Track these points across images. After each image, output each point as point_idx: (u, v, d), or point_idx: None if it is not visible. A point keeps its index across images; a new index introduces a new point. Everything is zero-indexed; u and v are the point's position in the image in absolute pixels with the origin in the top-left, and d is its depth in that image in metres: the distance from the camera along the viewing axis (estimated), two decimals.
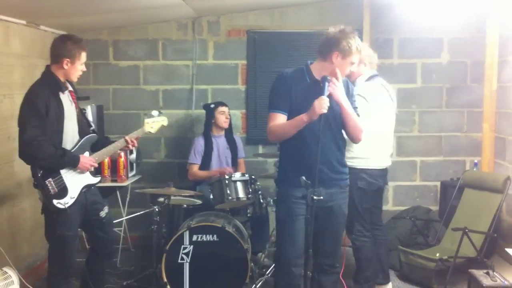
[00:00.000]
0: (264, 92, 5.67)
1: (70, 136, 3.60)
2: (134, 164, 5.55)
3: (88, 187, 3.69)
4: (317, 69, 3.42)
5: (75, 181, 3.58)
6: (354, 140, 3.50)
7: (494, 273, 3.72)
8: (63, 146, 3.55)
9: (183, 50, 5.87)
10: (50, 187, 3.45)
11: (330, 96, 3.26)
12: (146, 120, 3.95)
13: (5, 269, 3.67)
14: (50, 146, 3.43)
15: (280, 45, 5.81)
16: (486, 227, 4.64)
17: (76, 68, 3.57)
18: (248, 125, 5.92)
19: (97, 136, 3.80)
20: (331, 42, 3.34)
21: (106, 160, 5.06)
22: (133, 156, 5.44)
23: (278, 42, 5.81)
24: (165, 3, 4.76)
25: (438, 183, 5.78)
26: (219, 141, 5.32)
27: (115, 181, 5.24)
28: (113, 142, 3.79)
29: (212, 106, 5.32)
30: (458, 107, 5.87)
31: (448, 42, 5.82)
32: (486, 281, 3.65)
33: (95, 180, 3.74)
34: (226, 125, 5.31)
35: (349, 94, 3.48)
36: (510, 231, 5.11)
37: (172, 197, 4.52)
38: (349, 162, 4.04)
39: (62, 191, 3.50)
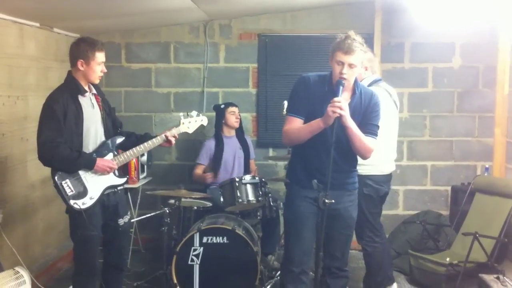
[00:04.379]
0: (275, 95, 5.70)
1: (93, 138, 3.62)
2: (145, 166, 5.58)
3: (112, 188, 3.72)
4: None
5: (97, 182, 3.60)
6: (361, 158, 3.47)
7: (505, 278, 3.72)
8: (85, 148, 3.58)
9: (195, 53, 5.90)
10: (67, 188, 3.48)
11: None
12: (183, 120, 3.96)
13: (17, 268, 3.70)
14: (66, 148, 3.46)
15: (291, 48, 5.81)
16: (497, 232, 4.62)
17: (93, 68, 3.57)
18: (258, 128, 5.93)
19: (122, 137, 3.79)
20: None
21: (134, 161, 5.07)
22: (144, 158, 5.47)
23: (290, 46, 5.82)
24: (178, 6, 4.80)
25: (449, 188, 5.76)
26: (231, 142, 5.36)
27: (126, 182, 5.26)
28: (143, 140, 3.77)
29: (222, 106, 5.37)
30: (470, 111, 5.85)
31: (460, 47, 5.80)
32: (496, 286, 3.65)
33: (120, 181, 3.76)
34: (236, 125, 5.34)
35: (368, 109, 3.39)
36: None
37: (182, 199, 4.53)
38: None
39: (81, 192, 3.52)
